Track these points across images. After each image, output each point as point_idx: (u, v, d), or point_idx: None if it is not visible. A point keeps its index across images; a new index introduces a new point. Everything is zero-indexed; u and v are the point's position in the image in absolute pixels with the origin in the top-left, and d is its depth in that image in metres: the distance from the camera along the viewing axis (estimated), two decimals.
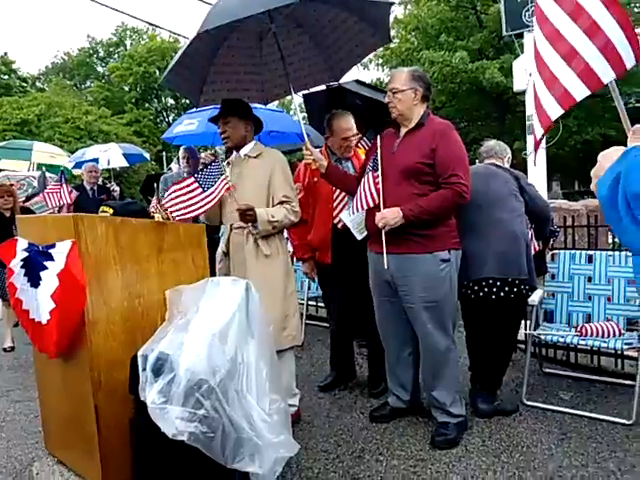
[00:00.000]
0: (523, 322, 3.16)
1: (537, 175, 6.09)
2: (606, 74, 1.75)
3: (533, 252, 2.89)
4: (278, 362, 2.33)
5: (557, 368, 3.46)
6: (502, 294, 2.67)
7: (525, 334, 3.12)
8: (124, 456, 2.05)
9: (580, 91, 1.75)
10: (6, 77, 29.46)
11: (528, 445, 2.51)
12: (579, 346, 3.25)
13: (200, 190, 2.35)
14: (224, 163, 2.72)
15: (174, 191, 2.31)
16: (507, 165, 3.04)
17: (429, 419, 2.74)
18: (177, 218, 2.29)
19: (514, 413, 2.84)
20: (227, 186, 2.44)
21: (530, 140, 6.07)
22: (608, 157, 0.89)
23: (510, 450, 2.47)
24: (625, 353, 3.17)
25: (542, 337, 3.03)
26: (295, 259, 3.68)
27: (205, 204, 2.35)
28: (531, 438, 2.58)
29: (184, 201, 2.31)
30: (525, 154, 6.21)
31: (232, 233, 2.69)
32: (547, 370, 3.43)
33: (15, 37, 52.85)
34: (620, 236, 0.90)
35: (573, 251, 3.29)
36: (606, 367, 3.38)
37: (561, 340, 2.97)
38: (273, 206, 2.63)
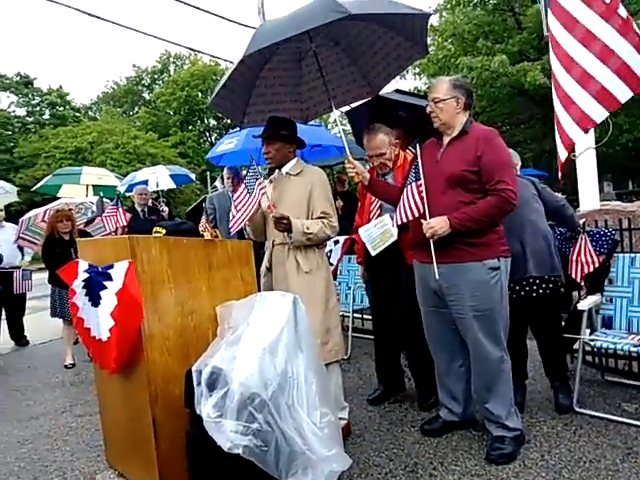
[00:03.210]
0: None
1: (587, 176, 5.84)
2: (623, 94, 1.72)
3: (593, 268, 3.09)
4: (327, 375, 2.34)
5: (620, 378, 3.29)
6: (541, 291, 2.89)
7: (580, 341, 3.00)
8: (181, 468, 2.11)
9: (598, 113, 1.72)
10: (61, 108, 31.35)
11: (591, 460, 2.39)
12: None
13: (248, 196, 2.50)
14: (263, 173, 2.85)
15: (236, 199, 2.48)
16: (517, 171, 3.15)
17: (483, 433, 2.67)
18: (234, 229, 2.44)
19: None
20: (263, 190, 2.56)
21: (577, 141, 5.84)
22: None
23: (572, 465, 2.36)
24: None
25: (597, 344, 2.91)
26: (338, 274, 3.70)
27: (251, 208, 2.50)
28: (594, 453, 2.45)
29: (240, 209, 2.48)
30: (574, 155, 5.99)
31: (274, 249, 2.76)
32: (609, 379, 3.26)
33: (68, 70, 56.29)
34: None
35: (632, 254, 3.15)
36: None
37: (611, 347, 2.86)
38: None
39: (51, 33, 58.39)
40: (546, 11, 6.09)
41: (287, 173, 2.78)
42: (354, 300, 4.61)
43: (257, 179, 2.52)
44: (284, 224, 2.56)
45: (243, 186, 2.49)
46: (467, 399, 2.75)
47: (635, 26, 1.63)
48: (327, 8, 2.27)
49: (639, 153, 15.63)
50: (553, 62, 1.77)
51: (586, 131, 1.79)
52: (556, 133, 1.86)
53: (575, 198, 5.89)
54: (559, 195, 3.24)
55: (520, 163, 3.24)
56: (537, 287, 2.89)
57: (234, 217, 2.44)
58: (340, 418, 2.52)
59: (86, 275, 2.35)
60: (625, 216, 3.91)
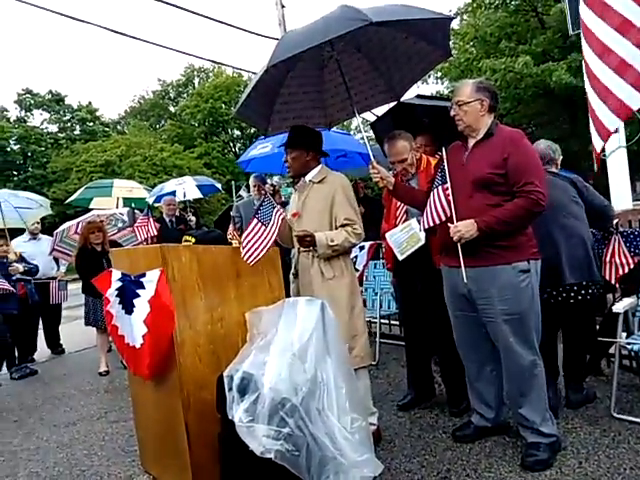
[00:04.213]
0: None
1: (618, 176, 5.71)
2: None
3: (628, 269, 3.06)
4: (357, 381, 2.34)
5: None
6: (580, 297, 2.84)
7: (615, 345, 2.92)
8: (213, 472, 2.14)
9: (636, 100, 1.67)
10: (91, 124, 32.35)
11: (631, 467, 2.31)
12: None
13: (263, 228, 2.44)
14: (287, 190, 2.84)
15: (246, 237, 2.40)
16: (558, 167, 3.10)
17: (517, 439, 2.61)
18: (252, 261, 2.37)
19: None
20: (282, 216, 2.52)
21: (601, 143, 5.71)
22: None
23: (611, 473, 2.29)
24: None
25: (634, 347, 2.83)
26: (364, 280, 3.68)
27: (270, 238, 2.44)
28: (635, 460, 2.37)
29: (254, 243, 2.40)
30: (604, 155, 5.86)
31: (300, 256, 2.78)
32: None
33: (97, 86, 58.10)
34: None
35: None
36: None
37: None
38: (336, 228, 2.67)
39: (81, 51, 60.48)
40: (572, 8, 6.02)
41: (310, 181, 2.79)
42: (381, 306, 4.58)
43: (274, 208, 2.49)
44: (307, 241, 2.58)
45: (255, 221, 2.44)
46: (499, 404, 2.70)
47: None
48: (349, 17, 2.30)
49: None
50: (586, 53, 1.73)
51: (628, 117, 1.73)
52: (591, 125, 1.82)
53: (607, 198, 5.75)
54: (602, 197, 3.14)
55: (561, 158, 3.12)
56: (575, 294, 2.84)
57: (247, 250, 2.37)
58: (370, 424, 2.51)
59: (119, 284, 2.41)
60: None
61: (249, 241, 2.39)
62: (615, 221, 3.24)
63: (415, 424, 3.03)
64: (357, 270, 4.56)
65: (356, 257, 4.62)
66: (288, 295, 2.78)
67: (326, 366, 2.02)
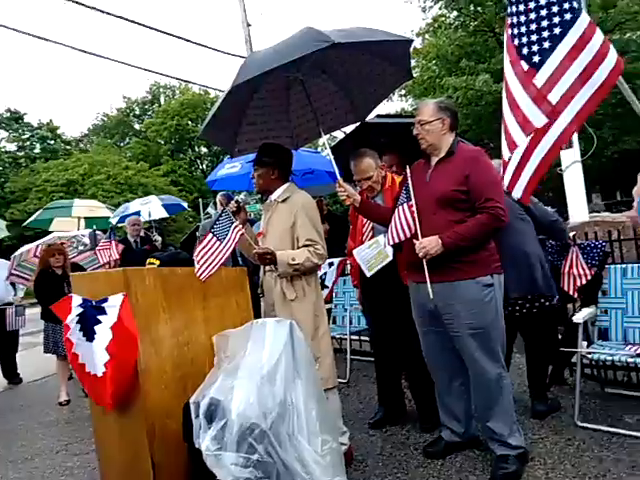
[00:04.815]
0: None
1: (574, 189, 5.94)
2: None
3: (585, 280, 3.17)
4: (326, 402, 2.32)
5: (620, 389, 3.28)
6: (524, 311, 2.97)
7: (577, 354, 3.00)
8: None
9: (539, 119, 1.75)
10: (52, 142, 31.53)
11: (596, 475, 2.37)
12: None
13: (218, 243, 2.40)
14: (241, 206, 2.78)
15: (198, 253, 2.36)
16: None
17: (487, 452, 2.64)
18: (204, 276, 2.33)
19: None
20: (240, 232, 2.47)
21: (564, 155, 5.96)
22: None
23: None
24: None
25: (594, 357, 2.91)
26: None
27: (224, 254, 2.39)
28: (599, 467, 2.43)
29: (208, 258, 2.35)
30: (561, 170, 6.09)
31: (265, 276, 2.74)
32: (609, 391, 3.26)
33: (58, 103, 56.79)
34: None
35: (624, 265, 3.18)
36: None
37: (609, 359, 2.86)
38: (298, 249, 2.63)
39: (40, 68, 59.12)
40: None
41: (275, 200, 2.77)
42: (351, 322, 4.58)
43: (232, 223, 2.45)
44: (268, 259, 2.54)
45: (211, 235, 2.39)
46: (468, 418, 2.73)
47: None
48: (311, 38, 2.33)
49: (625, 164, 15.89)
50: (509, 76, 1.81)
51: (530, 133, 1.81)
52: (502, 136, 1.89)
53: (565, 210, 5.96)
54: (550, 209, 3.27)
55: None
56: (520, 307, 2.97)
57: (200, 266, 2.33)
58: (341, 444, 2.48)
59: (80, 310, 2.33)
60: (615, 227, 3.97)
61: (202, 256, 2.34)
62: (572, 233, 3.36)
63: (387, 442, 3.02)
64: (326, 287, 4.56)
65: (325, 274, 4.62)
66: (259, 315, 2.75)
67: (296, 388, 2.00)
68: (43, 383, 5.79)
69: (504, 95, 1.89)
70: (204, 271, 2.33)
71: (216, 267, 2.36)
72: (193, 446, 1.88)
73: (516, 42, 1.78)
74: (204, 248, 2.36)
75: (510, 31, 1.81)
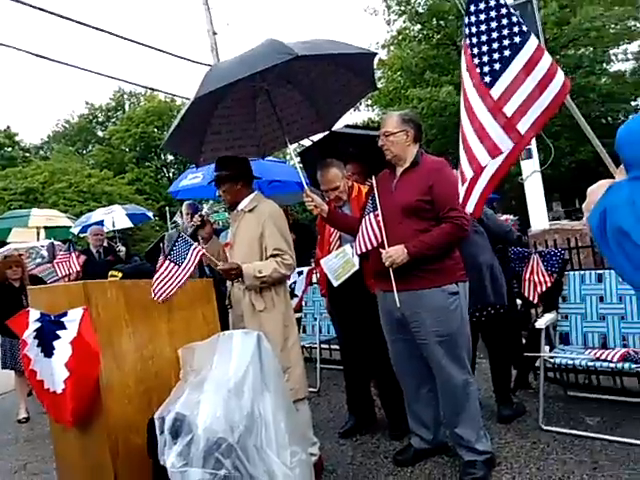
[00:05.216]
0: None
1: (535, 198, 6.16)
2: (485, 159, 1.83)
3: (546, 287, 3.27)
4: (296, 413, 2.30)
5: (581, 392, 3.39)
6: (474, 319, 3.00)
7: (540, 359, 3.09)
8: None
9: (506, 143, 1.80)
10: (10, 149, 30.43)
11: (560, 477, 2.43)
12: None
13: (176, 267, 2.34)
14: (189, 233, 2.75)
15: (156, 279, 2.30)
16: None
17: (455, 458, 2.67)
18: (162, 298, 2.28)
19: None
20: (200, 252, 2.43)
21: (524, 165, 6.18)
22: (595, 193, 0.92)
23: None
24: None
25: (556, 361, 3.00)
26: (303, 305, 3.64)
27: (183, 277, 2.34)
28: (562, 470, 2.49)
29: (165, 282, 2.30)
30: (521, 179, 6.31)
31: (233, 288, 2.70)
32: (571, 394, 3.36)
33: (16, 109, 54.89)
34: (617, 271, 0.92)
35: (582, 272, 3.29)
36: (630, 388, 3.30)
37: (570, 362, 2.95)
38: (266, 259, 2.60)
39: None
40: None
41: (242, 210, 2.74)
42: (321, 331, 4.57)
43: (190, 246, 2.40)
44: (233, 274, 2.51)
45: (168, 262, 2.34)
46: (437, 425, 2.75)
47: (552, 84, 1.74)
48: (275, 50, 2.34)
49: (582, 173, 16.59)
50: (469, 90, 1.85)
51: (496, 156, 1.86)
52: (462, 155, 1.91)
53: (526, 219, 6.17)
54: (503, 221, 3.39)
55: None
56: (470, 316, 2.96)
57: (157, 288, 2.27)
58: (311, 454, 2.46)
59: (38, 324, 2.24)
60: (573, 235, 4.12)
61: (160, 282, 2.28)
62: (532, 241, 3.48)
63: (357, 450, 3.02)
64: (296, 296, 4.54)
65: (295, 283, 4.60)
66: (226, 326, 2.71)
67: (264, 400, 1.97)
68: (1, 400, 5.53)
69: (463, 110, 1.93)
70: (161, 293, 2.27)
71: (174, 289, 2.30)
72: (158, 462, 1.83)
73: (476, 61, 1.84)
74: (162, 274, 2.30)
75: (469, 51, 1.87)
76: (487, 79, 1.83)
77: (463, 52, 1.94)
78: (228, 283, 2.78)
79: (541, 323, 3.00)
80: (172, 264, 2.32)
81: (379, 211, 2.53)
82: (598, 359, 2.80)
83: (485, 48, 1.84)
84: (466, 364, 2.53)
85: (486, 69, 1.84)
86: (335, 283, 2.99)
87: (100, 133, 37.40)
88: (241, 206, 2.75)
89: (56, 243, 5.86)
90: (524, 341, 3.52)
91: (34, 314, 2.29)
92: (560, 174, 17.01)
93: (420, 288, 2.46)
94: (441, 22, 18.00)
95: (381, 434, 3.18)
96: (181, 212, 5.54)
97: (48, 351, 2.18)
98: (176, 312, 2.37)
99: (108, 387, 2.10)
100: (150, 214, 8.92)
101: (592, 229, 0.90)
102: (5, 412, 4.90)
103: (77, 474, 2.42)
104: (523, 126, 1.78)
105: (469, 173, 1.89)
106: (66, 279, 4.71)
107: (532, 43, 1.78)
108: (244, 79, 2.32)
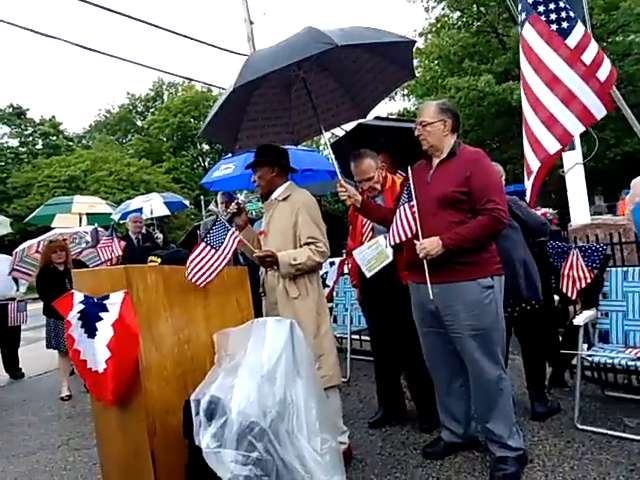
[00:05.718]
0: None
1: (576, 191, 5.93)
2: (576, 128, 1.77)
3: (585, 283, 3.19)
4: (327, 401, 2.32)
5: (620, 392, 3.29)
6: (507, 314, 2.88)
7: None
8: None
9: (578, 127, 1.76)
10: (54, 138, 31.54)
11: (595, 478, 2.37)
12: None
13: (213, 251, 2.35)
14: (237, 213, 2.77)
15: (191, 261, 2.30)
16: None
17: (486, 453, 2.64)
18: (200, 282, 2.29)
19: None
20: (238, 239, 2.42)
21: (567, 157, 5.96)
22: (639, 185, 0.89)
23: None
24: None
25: (595, 359, 2.91)
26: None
27: (222, 262, 2.34)
28: (598, 470, 2.43)
29: (203, 266, 2.31)
30: (562, 171, 6.09)
31: (267, 275, 2.75)
32: (609, 394, 3.26)
33: (60, 99, 56.82)
34: None
35: (625, 268, 3.18)
36: None
37: (609, 362, 2.86)
38: (300, 247, 2.63)
39: (43, 64, 59.20)
40: None
41: (276, 199, 2.78)
42: (352, 322, 4.59)
43: (228, 231, 2.39)
44: (269, 262, 2.54)
45: (204, 244, 2.33)
46: (468, 419, 2.73)
47: (600, 71, 1.69)
48: (313, 39, 2.33)
49: (627, 166, 15.86)
50: (523, 102, 1.81)
51: (566, 145, 1.82)
52: (526, 148, 1.86)
53: (567, 212, 5.96)
54: (550, 211, 3.29)
55: (504, 176, 3.16)
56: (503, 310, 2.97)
57: (193, 272, 2.26)
58: (340, 442, 2.49)
59: (82, 306, 2.33)
60: (616, 230, 3.96)
61: (196, 264, 2.28)
62: (574, 236, 3.37)
63: (386, 441, 3.03)
64: (327, 286, 4.57)
65: (326, 273, 4.62)
66: (260, 314, 2.76)
67: (296, 387, 2.01)
68: (45, 378, 5.82)
69: (526, 103, 1.88)
70: (199, 277, 2.28)
71: (213, 274, 2.31)
72: (193, 443, 1.88)
73: (554, 27, 1.79)
74: (197, 256, 2.30)
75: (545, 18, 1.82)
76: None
77: (533, 27, 1.89)
78: (261, 271, 2.82)
79: (580, 320, 2.92)
80: (209, 247, 2.34)
81: (414, 202, 2.50)
82: (639, 359, 2.71)
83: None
84: (500, 359, 2.49)
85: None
86: (368, 274, 2.98)
87: (139, 123, 38.34)
88: (275, 195, 2.78)
89: (99, 229, 6.06)
90: (561, 338, 3.43)
91: (78, 296, 2.38)
92: (604, 167, 16.33)
93: (454, 281, 2.43)
94: (482, 9, 17.48)
95: (410, 426, 3.18)
96: (216, 201, 5.62)
97: (91, 332, 2.27)
98: (212, 298, 2.42)
99: (147, 368, 2.17)
100: (187, 202, 9.10)
101: (635, 222, 0.86)
102: (49, 390, 5.15)
103: (116, 451, 2.52)
104: (568, 112, 1.73)
105: (535, 165, 1.85)
106: (108, 263, 4.88)
107: (579, 29, 1.72)
108: (281, 68, 2.32)
